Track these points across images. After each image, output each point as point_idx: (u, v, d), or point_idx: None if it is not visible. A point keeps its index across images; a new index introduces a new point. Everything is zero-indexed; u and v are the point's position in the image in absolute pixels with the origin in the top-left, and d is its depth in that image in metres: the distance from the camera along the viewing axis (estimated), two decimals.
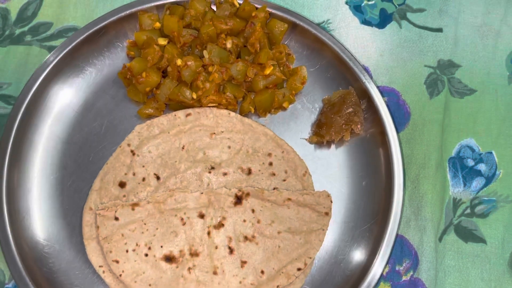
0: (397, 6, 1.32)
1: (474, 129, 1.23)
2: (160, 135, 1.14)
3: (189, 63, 1.13)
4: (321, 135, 1.18)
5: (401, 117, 1.23)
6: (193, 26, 1.19)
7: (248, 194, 1.10)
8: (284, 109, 1.21)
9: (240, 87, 1.18)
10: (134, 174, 1.12)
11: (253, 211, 1.10)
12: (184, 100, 1.15)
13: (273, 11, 1.22)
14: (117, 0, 1.28)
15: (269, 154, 1.15)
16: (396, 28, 1.30)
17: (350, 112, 1.16)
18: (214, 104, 1.17)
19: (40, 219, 1.12)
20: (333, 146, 1.20)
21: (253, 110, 1.19)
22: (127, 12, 1.20)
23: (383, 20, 1.31)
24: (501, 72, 1.27)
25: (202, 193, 1.10)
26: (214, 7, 1.22)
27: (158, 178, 1.12)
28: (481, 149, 1.22)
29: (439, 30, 1.30)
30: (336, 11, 1.30)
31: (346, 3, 1.32)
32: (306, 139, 1.20)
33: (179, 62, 1.14)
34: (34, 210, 1.12)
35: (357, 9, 1.31)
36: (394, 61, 1.27)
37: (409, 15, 1.31)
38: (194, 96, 1.14)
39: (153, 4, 1.22)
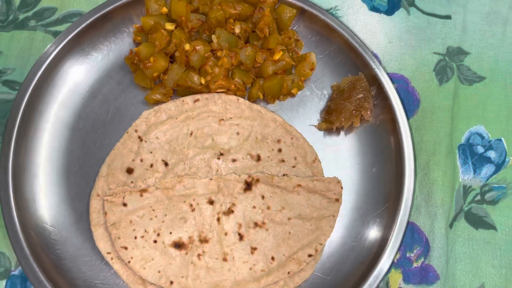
0: None
1: (484, 116, 1.22)
2: (167, 121, 1.13)
3: (197, 47, 1.12)
4: (331, 121, 1.16)
5: (410, 104, 1.22)
6: (201, 11, 1.17)
7: (258, 180, 1.09)
8: (293, 95, 1.20)
9: (249, 73, 1.17)
10: (141, 160, 1.10)
11: (263, 197, 1.09)
12: (192, 86, 1.14)
13: None
14: None
15: (278, 141, 1.14)
16: (404, 15, 1.29)
17: (360, 98, 1.15)
18: (222, 90, 1.15)
19: (46, 206, 1.10)
20: (342, 133, 1.18)
21: (261, 96, 1.18)
22: None
23: (391, 7, 1.29)
24: (509, 59, 1.27)
25: (211, 179, 1.09)
26: None
27: (166, 164, 1.10)
28: (491, 136, 1.21)
29: (448, 17, 1.29)
30: None
31: None
32: (315, 126, 1.19)
33: (187, 47, 1.12)
34: (41, 196, 1.10)
35: None
36: (403, 48, 1.26)
37: (418, 2, 1.30)
38: (203, 81, 1.13)
39: None
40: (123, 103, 1.16)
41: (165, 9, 1.18)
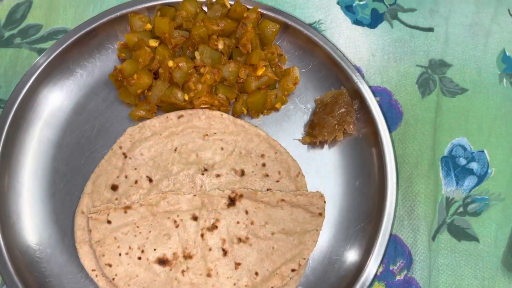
0: (388, 6, 1.32)
1: (466, 128, 1.23)
2: (152, 137, 1.14)
3: (180, 64, 1.13)
4: (314, 135, 1.17)
5: (393, 117, 1.23)
6: (185, 28, 1.18)
7: (241, 196, 1.10)
8: (277, 110, 1.20)
9: (232, 88, 1.18)
10: (126, 176, 1.11)
11: (246, 212, 1.09)
12: (176, 102, 1.14)
13: (265, 11, 1.22)
14: (107, 1, 1.27)
15: (262, 155, 1.15)
16: (387, 28, 1.30)
17: (342, 112, 1.16)
18: (206, 106, 1.16)
19: (31, 224, 1.10)
20: (326, 147, 1.19)
21: (245, 111, 1.19)
22: (118, 13, 1.20)
23: (374, 20, 1.31)
24: (492, 71, 1.28)
25: (195, 195, 1.09)
26: (205, 8, 1.22)
27: (150, 180, 1.11)
28: (473, 148, 1.22)
29: (430, 29, 1.30)
30: (328, 11, 1.30)
31: (338, 3, 1.32)
32: (299, 140, 1.19)
33: (170, 63, 1.13)
34: (25, 214, 1.11)
35: (348, 9, 1.31)
36: (386, 61, 1.27)
37: (400, 15, 1.31)
38: (186, 97, 1.14)
39: (144, 5, 1.21)
40: (108, 119, 1.17)
41: (149, 26, 1.19)
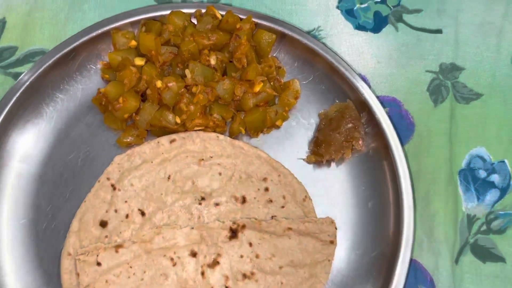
0: (391, 8, 1.23)
1: (484, 137, 1.13)
2: (142, 165, 1.04)
3: (170, 84, 1.03)
4: (320, 154, 1.07)
5: (404, 129, 1.13)
6: (173, 43, 1.08)
7: (244, 226, 1.00)
8: (278, 127, 1.11)
9: (228, 107, 1.08)
10: (116, 211, 1.01)
11: (250, 244, 0.99)
12: (167, 126, 1.04)
13: (259, 21, 1.12)
14: (87, 18, 1.17)
15: (264, 179, 1.05)
16: (392, 32, 1.21)
17: (350, 127, 1.06)
18: (200, 128, 1.06)
19: (13, 268, 1.00)
20: (333, 165, 1.10)
21: (243, 131, 1.09)
22: (99, 31, 1.11)
23: (378, 24, 1.21)
24: (507, 73, 1.18)
25: (192, 228, 0.99)
26: (194, 21, 1.11)
27: (143, 213, 1.01)
28: (493, 158, 1.12)
29: (439, 31, 1.21)
30: (327, 17, 1.21)
31: (337, 7, 1.22)
32: (303, 159, 1.10)
33: (159, 84, 1.03)
34: (6, 258, 1.00)
35: (349, 13, 1.21)
36: (393, 67, 1.18)
37: (405, 16, 1.22)
38: (178, 120, 1.04)
39: (127, 21, 1.11)
40: (94, 148, 1.07)
41: (133, 43, 1.09)
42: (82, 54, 1.10)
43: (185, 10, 1.11)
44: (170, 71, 1.08)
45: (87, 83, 1.11)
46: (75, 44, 1.09)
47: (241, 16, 1.11)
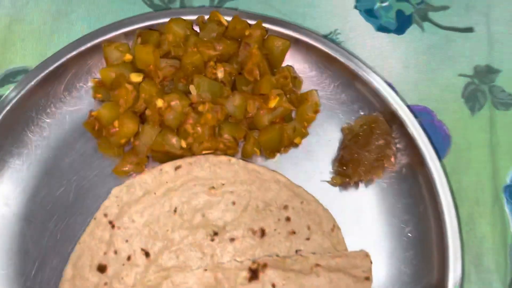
0: (415, 5, 1.10)
1: None
2: (144, 197, 0.90)
3: (172, 103, 0.89)
4: (347, 174, 0.95)
5: (439, 142, 1.01)
6: (174, 55, 0.95)
7: (265, 265, 0.86)
8: (296, 145, 0.99)
9: (240, 126, 0.95)
10: (116, 252, 0.87)
11: (273, 286, 0.86)
12: (171, 150, 0.91)
13: (270, 26, 1.01)
14: (75, 29, 1.05)
15: (285, 207, 0.92)
16: (418, 33, 1.09)
17: (381, 144, 0.93)
18: (209, 151, 0.92)
19: None
20: (361, 186, 0.96)
21: (258, 152, 0.96)
22: (89, 44, 0.99)
23: (401, 24, 1.10)
24: None
25: (206, 269, 0.86)
26: (197, 29, 0.99)
27: (147, 254, 0.87)
28: None
29: (469, 29, 1.09)
30: (345, 19, 1.08)
31: (356, 7, 1.09)
32: (328, 182, 0.97)
33: (159, 103, 0.90)
34: None
35: (369, 13, 1.09)
36: (422, 72, 1.06)
37: (431, 15, 1.09)
38: (183, 144, 0.90)
39: (120, 31, 0.99)
40: (87, 179, 0.95)
41: (128, 57, 0.95)
42: (71, 71, 0.99)
43: (185, 17, 0.99)
44: (172, 88, 0.94)
45: (77, 105, 0.98)
46: (62, 61, 0.97)
47: (250, 22, 0.99)
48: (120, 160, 0.93)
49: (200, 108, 0.90)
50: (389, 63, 1.06)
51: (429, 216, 0.92)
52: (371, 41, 1.07)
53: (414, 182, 0.95)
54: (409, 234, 0.92)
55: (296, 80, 1.00)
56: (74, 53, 0.97)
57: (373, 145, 0.93)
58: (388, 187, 0.96)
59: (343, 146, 0.97)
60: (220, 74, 0.93)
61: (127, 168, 0.93)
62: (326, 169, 0.98)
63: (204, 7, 1.06)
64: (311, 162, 0.98)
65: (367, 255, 0.89)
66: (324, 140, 0.99)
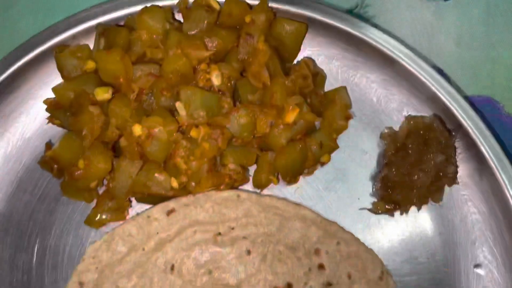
0: None
1: None
2: (130, 255, 0.72)
3: (154, 130, 0.66)
4: (394, 200, 0.75)
5: (510, 143, 0.78)
6: (150, 58, 0.70)
7: None
8: (323, 164, 0.79)
9: (249, 148, 0.71)
10: None
11: None
12: (159, 192, 0.68)
13: (276, 5, 0.76)
14: (18, 28, 0.82)
15: (316, 252, 0.73)
16: None
17: (440, 161, 0.70)
18: (211, 188, 0.69)
19: None
20: (412, 210, 0.74)
21: (275, 181, 0.74)
22: (38, 50, 0.75)
23: None
24: None
25: None
26: (180, 17, 0.72)
27: None
28: None
29: None
30: None
31: None
32: (368, 210, 0.76)
33: (137, 130, 0.68)
34: None
35: None
36: (480, 50, 0.85)
37: None
38: (175, 184, 0.68)
39: (76, 29, 0.75)
40: (54, 233, 0.74)
41: (90, 64, 0.71)
42: (16, 90, 0.76)
43: (163, 3, 0.74)
44: (152, 103, 0.70)
45: (28, 133, 0.76)
46: (6, 74, 0.75)
47: (250, 2, 0.76)
48: (93, 208, 0.71)
49: (193, 133, 0.67)
50: (437, 41, 0.85)
51: (508, 247, 0.72)
52: (411, 13, 0.86)
53: (482, 201, 0.76)
54: (476, 272, 0.71)
55: (317, 76, 0.76)
56: (18, 64, 0.75)
57: (430, 163, 0.69)
58: (446, 209, 0.75)
59: (387, 162, 0.74)
60: (215, 80, 0.70)
61: (103, 218, 0.71)
62: (364, 192, 0.79)
63: None
64: (344, 184, 0.79)
65: None
66: (358, 153, 0.79)
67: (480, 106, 0.82)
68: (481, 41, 0.85)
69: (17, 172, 0.75)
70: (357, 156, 0.79)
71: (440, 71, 0.83)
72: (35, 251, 0.73)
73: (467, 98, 0.81)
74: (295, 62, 0.79)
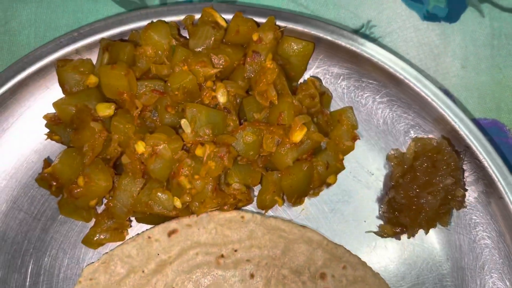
0: None
1: None
2: (129, 277, 0.71)
3: (158, 148, 0.65)
4: (402, 223, 0.72)
5: None
6: (155, 74, 0.68)
7: None
8: (329, 185, 0.77)
9: (254, 167, 0.69)
10: None
11: None
12: (161, 212, 0.65)
13: (283, 23, 0.75)
14: (18, 42, 0.80)
15: (322, 276, 0.72)
16: (476, 19, 0.86)
17: (448, 184, 0.68)
18: (214, 208, 0.67)
19: None
20: (419, 234, 0.73)
21: (281, 203, 0.71)
22: (39, 64, 0.73)
23: (454, 9, 0.86)
24: None
25: None
26: (185, 34, 0.72)
27: None
28: None
29: None
30: (381, 6, 0.87)
31: None
32: (374, 233, 0.74)
33: (140, 147, 0.66)
34: None
35: None
36: (485, 73, 0.84)
37: None
38: (178, 203, 0.67)
39: (79, 44, 0.73)
40: (49, 253, 0.72)
41: (93, 79, 0.69)
42: (13, 104, 0.74)
43: (169, 19, 0.73)
44: (156, 120, 0.68)
45: (28, 147, 0.73)
46: (5, 87, 0.73)
47: (257, 20, 0.75)
48: (91, 227, 0.68)
49: (198, 152, 0.65)
50: (443, 63, 0.85)
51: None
52: (417, 34, 0.85)
53: (489, 226, 0.75)
54: None
55: (323, 96, 0.75)
56: (18, 79, 0.73)
57: (439, 186, 0.68)
58: (456, 232, 0.73)
59: (394, 184, 0.72)
60: (221, 98, 0.68)
61: (102, 237, 0.68)
62: (371, 214, 0.77)
63: (192, 2, 0.79)
64: (350, 206, 0.78)
65: None
66: (364, 175, 0.77)
67: (487, 129, 0.81)
68: (486, 63, 0.84)
69: (12, 190, 0.73)
70: (364, 177, 0.78)
71: (447, 93, 0.83)
72: (29, 272, 0.71)
73: (474, 120, 0.81)
74: (301, 81, 0.79)
